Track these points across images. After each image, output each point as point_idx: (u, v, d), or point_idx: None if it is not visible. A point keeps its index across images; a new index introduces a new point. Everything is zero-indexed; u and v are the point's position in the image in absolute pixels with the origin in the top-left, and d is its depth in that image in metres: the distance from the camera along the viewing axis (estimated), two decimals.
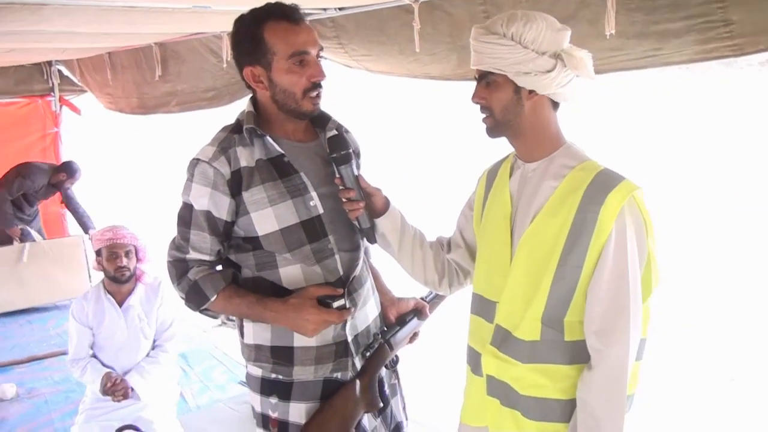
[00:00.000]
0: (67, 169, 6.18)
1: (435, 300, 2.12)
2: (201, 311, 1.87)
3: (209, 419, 3.81)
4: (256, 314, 1.82)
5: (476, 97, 1.67)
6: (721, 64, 2.43)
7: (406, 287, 2.12)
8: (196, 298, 1.83)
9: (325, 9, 3.40)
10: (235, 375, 4.31)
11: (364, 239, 1.96)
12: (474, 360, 1.81)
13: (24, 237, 6.16)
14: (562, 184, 1.60)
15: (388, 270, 2.08)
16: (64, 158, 7.07)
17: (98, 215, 6.67)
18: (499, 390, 1.72)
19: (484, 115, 1.68)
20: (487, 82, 1.64)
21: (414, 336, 2.09)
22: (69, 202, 6.53)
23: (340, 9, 3.35)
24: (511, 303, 1.68)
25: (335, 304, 1.77)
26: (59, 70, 6.63)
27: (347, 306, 1.83)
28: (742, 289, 6.26)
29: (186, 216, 1.82)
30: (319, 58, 1.80)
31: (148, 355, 3.38)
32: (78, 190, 6.51)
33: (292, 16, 1.76)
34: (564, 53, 1.57)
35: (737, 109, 9.50)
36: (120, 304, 3.37)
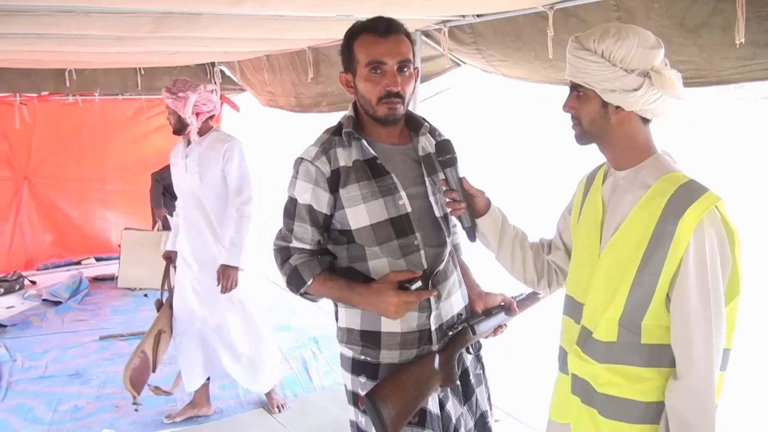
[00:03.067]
0: None
1: (526, 300, 2.18)
2: (301, 295, 2.03)
3: (330, 399, 4.03)
4: (346, 297, 1.96)
5: (566, 107, 1.73)
6: None
7: (505, 285, 2.19)
8: (295, 281, 1.99)
9: (464, 16, 3.52)
10: None
11: (450, 237, 2.07)
12: (562, 359, 1.88)
13: (166, 223, 6.52)
14: (646, 195, 1.62)
15: (489, 266, 2.15)
16: None
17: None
18: (581, 388, 1.77)
19: (573, 123, 1.73)
20: (577, 93, 1.69)
21: (499, 329, 2.15)
22: None
23: (478, 16, 3.46)
24: (593, 305, 1.74)
25: (413, 287, 1.88)
26: (221, 70, 7.12)
27: (426, 287, 1.93)
28: None
29: (291, 209, 2.00)
30: (404, 70, 1.92)
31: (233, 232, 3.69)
32: None
33: (378, 29, 1.91)
34: (653, 72, 1.58)
35: None
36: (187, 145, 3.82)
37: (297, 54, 5.36)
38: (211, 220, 3.76)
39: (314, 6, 3.24)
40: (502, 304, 2.16)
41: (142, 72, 6.89)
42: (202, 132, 3.78)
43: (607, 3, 2.78)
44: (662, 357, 1.64)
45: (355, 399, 2.05)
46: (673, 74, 1.59)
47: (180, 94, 3.66)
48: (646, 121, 1.68)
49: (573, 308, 1.84)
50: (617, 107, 1.63)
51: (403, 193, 1.95)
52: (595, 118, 1.67)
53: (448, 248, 2.06)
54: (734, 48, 2.33)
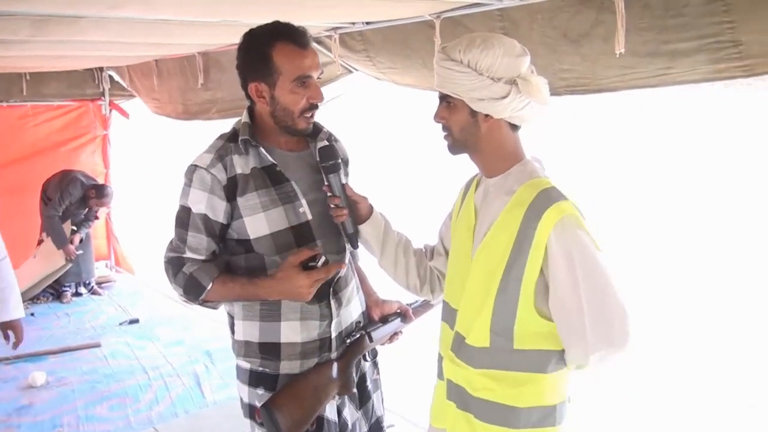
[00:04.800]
0: (97, 189, 6.24)
1: (421, 308, 2.21)
2: (201, 303, 1.94)
3: (223, 415, 3.91)
4: (250, 294, 1.89)
5: (437, 117, 1.73)
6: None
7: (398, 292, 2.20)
8: (193, 290, 1.90)
9: (353, 23, 3.51)
10: None
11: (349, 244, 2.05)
12: (439, 364, 1.89)
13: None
14: (511, 201, 1.65)
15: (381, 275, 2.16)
16: (111, 160, 7.32)
17: (138, 213, 6.79)
18: (456, 393, 1.78)
19: (444, 133, 1.74)
20: (447, 103, 1.69)
21: (395, 336, 2.18)
22: (84, 220, 6.49)
23: (367, 23, 3.46)
24: (466, 311, 1.75)
25: (320, 263, 1.84)
26: (110, 76, 6.87)
27: (329, 261, 1.89)
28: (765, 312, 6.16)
29: (184, 219, 1.91)
30: (317, 80, 1.91)
31: None
32: (122, 191, 6.65)
33: (299, 40, 1.86)
34: (520, 79, 1.60)
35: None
36: None
37: (187, 59, 5.21)
38: None
39: (198, 11, 3.15)
40: (398, 311, 2.18)
41: (28, 77, 6.53)
42: None
43: (491, 13, 2.83)
44: (536, 362, 1.66)
45: (251, 412, 2.00)
46: (539, 81, 1.62)
47: None
48: (514, 127, 1.70)
49: (448, 314, 1.85)
50: (486, 115, 1.65)
51: (303, 201, 1.92)
52: (465, 127, 1.69)
53: (347, 254, 2.05)
54: (615, 57, 2.40)
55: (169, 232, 1.97)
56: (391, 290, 2.23)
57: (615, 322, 1.58)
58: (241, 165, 1.89)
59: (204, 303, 1.95)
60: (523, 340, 1.65)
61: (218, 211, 1.88)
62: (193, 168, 1.89)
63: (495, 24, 2.83)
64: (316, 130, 2.03)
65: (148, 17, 3.26)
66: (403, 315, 2.17)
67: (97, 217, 6.57)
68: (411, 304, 2.21)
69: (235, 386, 2.08)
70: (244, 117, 1.96)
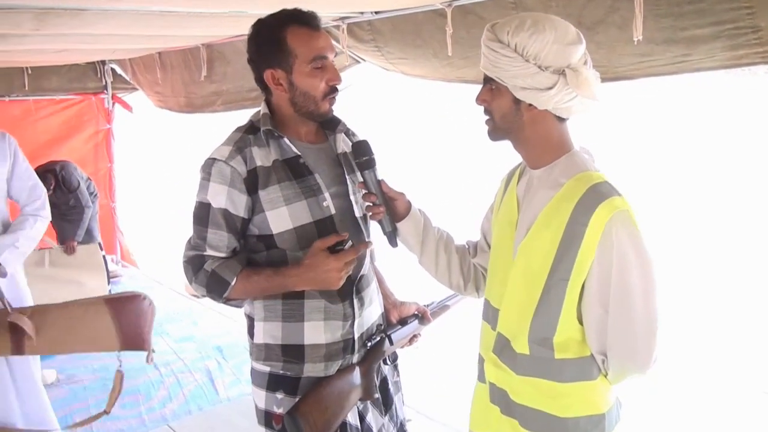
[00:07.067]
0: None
1: (439, 309, 2.18)
2: (225, 301, 1.89)
3: (237, 411, 3.89)
4: (277, 285, 1.83)
5: (479, 99, 1.62)
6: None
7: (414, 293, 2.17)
8: (217, 287, 1.84)
9: (362, 12, 3.44)
10: None
11: (369, 239, 2.01)
12: (480, 366, 1.80)
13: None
14: (557, 195, 1.54)
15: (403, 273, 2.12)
16: (115, 154, 7.27)
17: (142, 207, 6.74)
18: (500, 398, 1.69)
19: (486, 117, 1.64)
20: (490, 86, 1.59)
21: (414, 338, 2.14)
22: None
23: (376, 13, 3.39)
24: (509, 312, 1.65)
25: (347, 247, 1.80)
26: (112, 69, 6.82)
27: (354, 244, 1.86)
28: None
29: (203, 215, 1.85)
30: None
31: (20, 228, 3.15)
32: (126, 185, 6.58)
33: (311, 22, 1.84)
34: (569, 70, 1.48)
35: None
36: None
37: (190, 51, 5.15)
38: None
39: (204, 2, 3.10)
40: (416, 313, 2.14)
41: (30, 71, 6.48)
42: None
43: (504, 1, 2.76)
44: (581, 370, 1.58)
45: (267, 419, 1.94)
46: (590, 74, 1.51)
47: None
48: (561, 118, 1.59)
49: (490, 313, 1.76)
50: (530, 105, 1.55)
51: (326, 194, 1.87)
52: (507, 114, 1.58)
53: (369, 253, 2.01)
54: (631, 45, 2.35)
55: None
56: (407, 292, 2.22)
57: (639, 343, 1.51)
58: (261, 157, 1.84)
59: (228, 301, 1.89)
60: (565, 348, 1.56)
61: (239, 205, 1.82)
62: (211, 161, 1.83)
63: (508, 12, 2.75)
64: (335, 121, 1.98)
65: (152, 9, 3.20)
66: (422, 317, 2.13)
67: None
68: (429, 306, 2.18)
69: (247, 383, 2.03)
70: (263, 109, 1.91)
